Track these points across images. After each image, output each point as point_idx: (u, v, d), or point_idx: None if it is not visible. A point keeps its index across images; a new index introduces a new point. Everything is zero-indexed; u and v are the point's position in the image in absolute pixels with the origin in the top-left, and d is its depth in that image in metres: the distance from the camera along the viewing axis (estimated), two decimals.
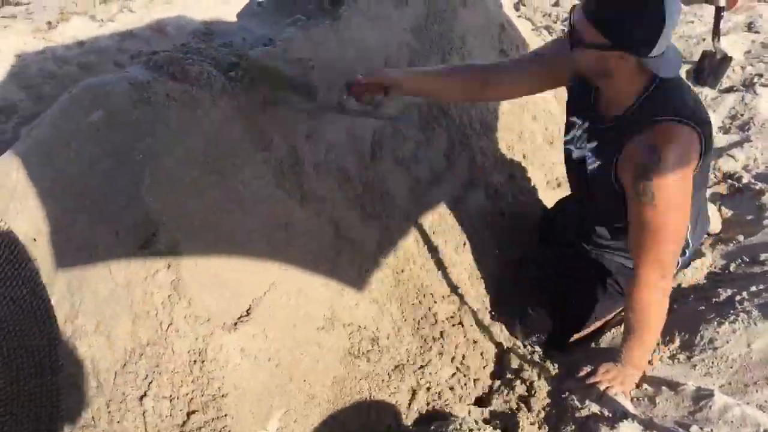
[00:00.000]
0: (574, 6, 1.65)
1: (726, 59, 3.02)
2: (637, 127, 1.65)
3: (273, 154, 1.75)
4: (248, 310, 1.55)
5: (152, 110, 1.53)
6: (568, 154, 1.97)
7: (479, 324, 2.09)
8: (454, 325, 2.01)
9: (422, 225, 2.12)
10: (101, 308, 1.40)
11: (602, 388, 1.77)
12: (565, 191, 2.46)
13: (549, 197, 2.59)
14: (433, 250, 2.12)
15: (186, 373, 1.42)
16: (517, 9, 4.09)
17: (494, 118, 2.59)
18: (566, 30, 1.95)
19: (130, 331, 1.39)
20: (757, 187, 2.55)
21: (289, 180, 1.77)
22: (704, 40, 3.22)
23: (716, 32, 3.04)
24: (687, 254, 2.00)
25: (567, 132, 1.97)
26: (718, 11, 3.01)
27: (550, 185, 2.69)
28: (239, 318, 1.53)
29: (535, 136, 2.73)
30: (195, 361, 1.43)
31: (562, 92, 2.77)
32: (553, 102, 2.92)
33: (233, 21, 4.18)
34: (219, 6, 4.41)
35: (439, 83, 1.97)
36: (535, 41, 3.03)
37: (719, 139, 2.77)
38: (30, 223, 1.44)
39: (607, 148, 1.77)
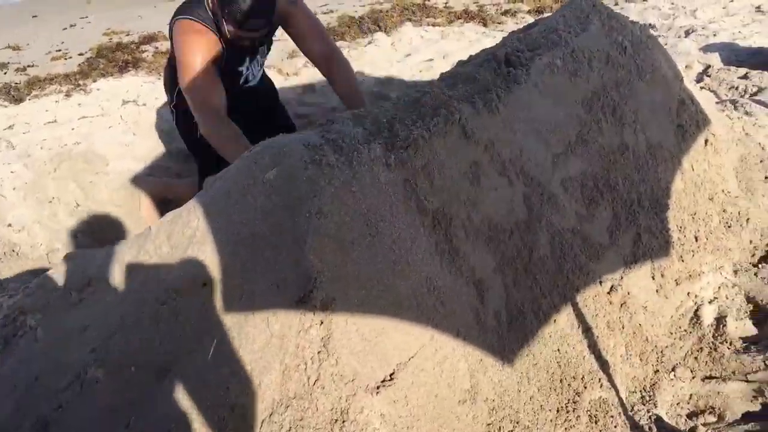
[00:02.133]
0: None
1: None
2: None
3: (428, 219, 1.77)
4: (392, 374, 1.56)
5: (321, 172, 1.61)
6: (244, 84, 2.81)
7: (627, 416, 1.95)
8: (601, 413, 1.90)
9: (577, 302, 2.04)
10: (256, 356, 1.47)
11: None
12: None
13: None
14: (586, 330, 2.02)
15: (326, 430, 1.45)
16: (700, 80, 3.89)
17: (665, 196, 2.45)
18: None
19: (279, 382, 1.45)
20: None
21: (441, 245, 1.78)
22: None
23: None
24: None
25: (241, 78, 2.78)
26: None
27: (722, 271, 2.49)
28: (383, 382, 1.54)
29: (711, 218, 2.55)
30: (336, 420, 1.46)
31: (745, 172, 2.59)
32: (733, 182, 2.72)
33: (407, 80, 4.34)
34: (395, 65, 4.61)
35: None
36: (717, 116, 2.86)
37: None
38: (201, 268, 1.55)
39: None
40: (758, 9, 4.99)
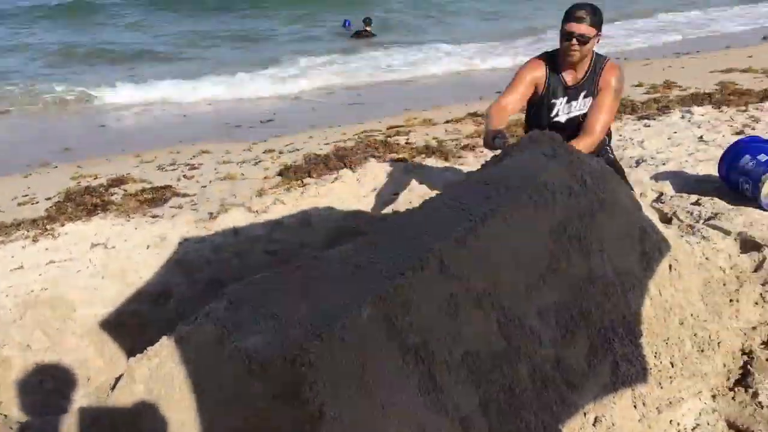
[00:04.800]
0: (564, 30, 3.31)
1: None
2: (600, 68, 3.47)
3: (410, 356, 1.76)
4: None
5: None
6: (556, 124, 3.51)
7: None
8: None
9: None
10: None
11: None
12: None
13: None
14: None
15: None
16: (656, 202, 4.07)
17: (637, 322, 2.49)
18: (569, 42, 3.31)
19: None
20: None
21: (424, 383, 1.76)
22: None
23: None
24: None
25: (552, 111, 3.56)
26: None
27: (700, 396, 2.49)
28: None
29: (684, 343, 2.58)
30: None
31: (710, 296, 2.65)
32: (700, 305, 2.79)
33: (377, 213, 4.44)
34: (362, 199, 4.73)
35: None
36: (677, 242, 2.96)
37: None
38: None
39: (586, 93, 3.51)
40: (701, 138, 5.33)
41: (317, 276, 1.84)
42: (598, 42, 3.35)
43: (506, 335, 2.08)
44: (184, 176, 5.66)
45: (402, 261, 1.91)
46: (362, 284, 1.79)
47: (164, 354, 1.67)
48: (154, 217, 4.54)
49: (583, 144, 3.24)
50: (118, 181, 5.40)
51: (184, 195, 5.11)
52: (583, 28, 3.25)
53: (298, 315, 1.64)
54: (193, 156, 6.37)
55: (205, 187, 5.31)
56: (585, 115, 3.48)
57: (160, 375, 1.62)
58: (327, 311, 1.66)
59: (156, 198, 4.96)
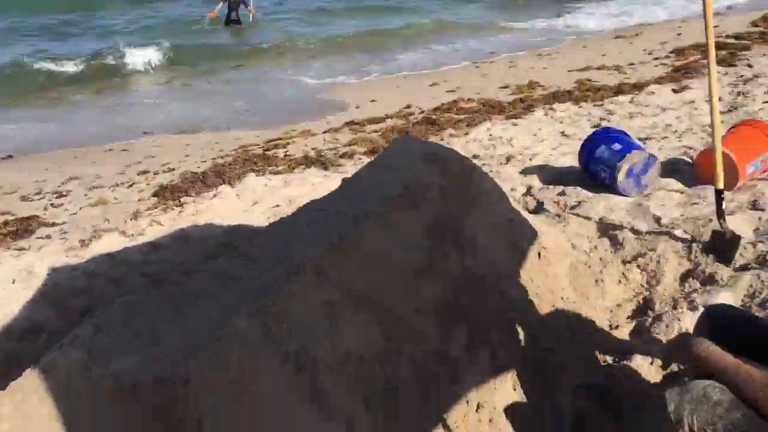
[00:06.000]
0: None
1: (735, 238, 3.08)
2: None
3: (290, 364, 1.76)
4: None
5: None
6: None
7: None
8: None
9: (448, 424, 2.07)
10: None
11: None
12: None
13: None
14: None
15: None
16: (526, 195, 4.28)
17: (512, 310, 2.61)
18: None
19: None
20: None
21: (305, 390, 1.77)
22: (711, 221, 3.30)
23: (720, 213, 3.13)
24: None
25: None
26: (718, 193, 3.12)
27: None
28: None
29: (558, 326, 2.73)
30: None
31: (578, 279, 2.81)
32: (569, 289, 2.95)
33: (257, 226, 4.38)
34: (243, 213, 4.66)
35: None
36: (544, 231, 3.12)
37: None
38: None
39: None
40: (563, 134, 5.65)
41: (188, 292, 1.80)
42: None
43: (387, 335, 2.12)
44: (52, 205, 5.36)
45: (276, 270, 1.90)
46: (236, 297, 1.77)
47: (28, 387, 1.58)
48: (19, 249, 4.27)
49: None
50: None
51: (53, 224, 4.84)
52: None
53: (169, 333, 1.60)
54: (61, 183, 6.05)
55: (74, 214, 5.06)
56: None
57: (26, 410, 1.53)
58: (200, 327, 1.63)
59: (20, 230, 4.67)
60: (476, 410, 2.21)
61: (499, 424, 2.22)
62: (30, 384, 1.63)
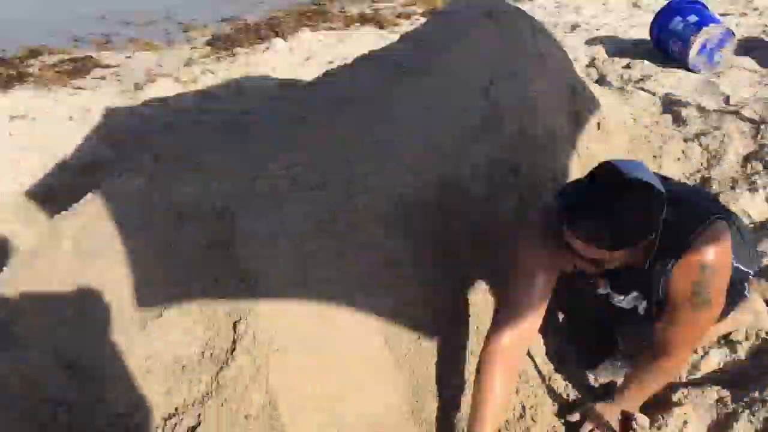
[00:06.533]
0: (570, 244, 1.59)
1: None
2: (670, 264, 1.63)
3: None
4: None
5: None
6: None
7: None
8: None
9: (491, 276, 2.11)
10: None
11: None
12: None
13: None
14: None
15: None
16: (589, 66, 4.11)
17: (564, 177, 2.57)
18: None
19: None
20: None
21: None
22: None
23: None
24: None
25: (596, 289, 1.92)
26: None
27: None
28: None
29: None
30: None
31: (635, 152, 2.74)
32: None
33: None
34: (296, 68, 4.60)
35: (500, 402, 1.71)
36: (606, 102, 3.02)
37: None
38: None
39: (638, 297, 1.84)
40: (635, 4, 5.32)
41: (245, 129, 1.80)
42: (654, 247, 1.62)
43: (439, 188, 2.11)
44: (105, 45, 5.36)
45: (335, 111, 1.88)
46: (294, 134, 1.76)
47: (91, 210, 1.63)
48: (76, 89, 4.33)
49: (665, 367, 1.78)
50: (34, 52, 5.07)
51: (107, 66, 4.86)
52: (595, 253, 1.57)
53: (226, 166, 1.62)
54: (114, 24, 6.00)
55: (129, 57, 5.05)
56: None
57: (89, 229, 1.59)
58: (256, 161, 1.64)
59: (76, 69, 4.70)
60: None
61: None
62: (93, 208, 1.68)
